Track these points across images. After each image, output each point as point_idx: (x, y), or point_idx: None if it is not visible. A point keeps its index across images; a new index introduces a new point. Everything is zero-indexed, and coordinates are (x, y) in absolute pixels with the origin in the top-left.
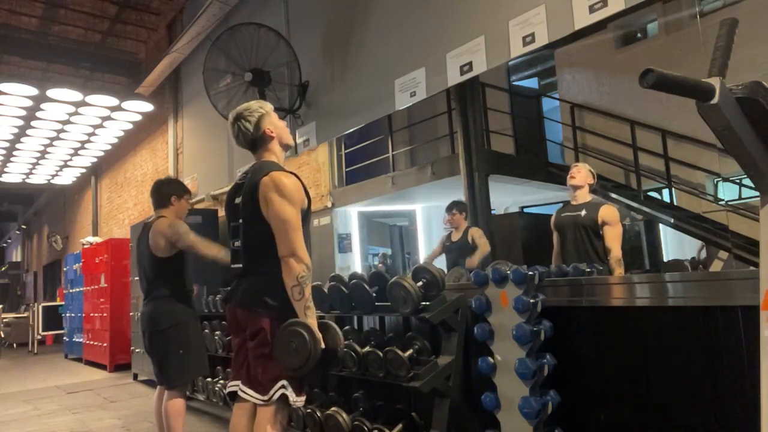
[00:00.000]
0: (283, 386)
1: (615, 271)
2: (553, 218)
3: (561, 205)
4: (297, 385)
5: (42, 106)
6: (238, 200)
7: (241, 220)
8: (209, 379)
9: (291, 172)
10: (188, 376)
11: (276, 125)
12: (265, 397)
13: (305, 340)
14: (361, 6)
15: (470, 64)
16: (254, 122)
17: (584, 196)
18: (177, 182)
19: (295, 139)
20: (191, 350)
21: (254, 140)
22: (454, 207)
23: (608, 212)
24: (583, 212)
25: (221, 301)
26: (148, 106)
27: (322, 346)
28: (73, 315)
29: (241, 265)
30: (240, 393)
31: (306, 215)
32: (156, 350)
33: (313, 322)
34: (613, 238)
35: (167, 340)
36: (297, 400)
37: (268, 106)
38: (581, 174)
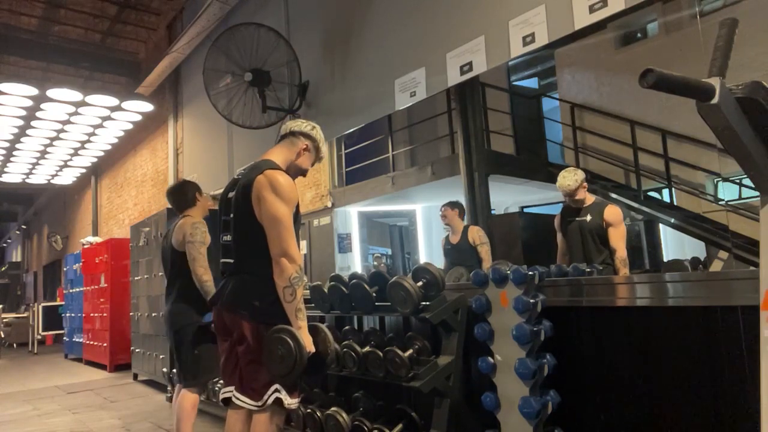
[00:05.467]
0: (276, 390)
1: (621, 271)
2: (557, 220)
3: (562, 204)
4: (290, 387)
5: (42, 106)
6: (231, 195)
7: (232, 215)
8: None
9: (289, 172)
10: (203, 376)
11: (309, 157)
12: (259, 403)
13: (291, 348)
14: (361, 6)
15: (470, 64)
16: (307, 132)
17: (586, 198)
18: (191, 181)
19: None
20: (206, 351)
21: (289, 135)
22: (446, 204)
23: (612, 213)
24: (588, 217)
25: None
26: (148, 106)
27: (312, 350)
28: (73, 315)
29: (231, 261)
30: (234, 400)
31: (296, 216)
32: (174, 349)
33: (303, 324)
34: (618, 239)
35: (182, 340)
36: (291, 402)
37: (324, 149)
38: (581, 193)
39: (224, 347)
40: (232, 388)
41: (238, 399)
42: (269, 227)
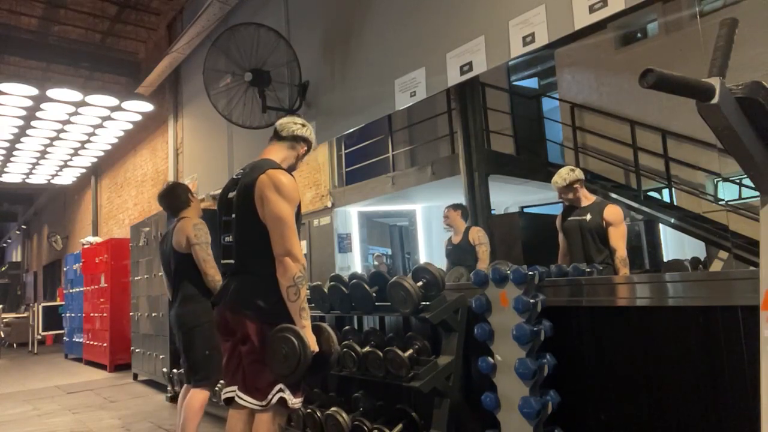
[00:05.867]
0: (280, 389)
1: (621, 271)
2: (558, 219)
3: (562, 205)
4: (294, 387)
5: (42, 106)
6: (231, 195)
7: (234, 215)
8: None
9: (287, 171)
10: (214, 375)
11: (304, 159)
12: (263, 403)
13: (294, 347)
14: (361, 6)
15: (470, 64)
16: (307, 137)
17: (585, 198)
18: (180, 183)
19: None
20: (218, 351)
21: (288, 137)
22: (449, 205)
23: (612, 212)
24: (588, 216)
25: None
26: (148, 106)
27: (315, 349)
28: (73, 315)
29: (233, 261)
30: (237, 400)
31: (297, 215)
32: (184, 350)
33: (307, 324)
34: (618, 238)
35: (193, 341)
36: (295, 402)
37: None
38: (572, 192)
39: (226, 347)
40: (234, 387)
41: (241, 399)
42: (273, 227)
